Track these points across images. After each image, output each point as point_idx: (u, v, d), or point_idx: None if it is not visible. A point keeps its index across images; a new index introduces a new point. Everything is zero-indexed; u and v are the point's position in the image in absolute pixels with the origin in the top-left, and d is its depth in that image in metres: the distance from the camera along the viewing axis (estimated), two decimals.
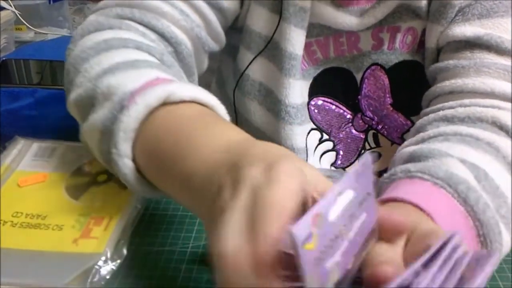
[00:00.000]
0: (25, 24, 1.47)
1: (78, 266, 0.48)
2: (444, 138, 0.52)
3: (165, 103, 0.46)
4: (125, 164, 0.46)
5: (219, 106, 0.48)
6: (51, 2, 1.53)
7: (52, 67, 1.01)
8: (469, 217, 0.43)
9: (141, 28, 0.60)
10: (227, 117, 0.48)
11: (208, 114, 0.46)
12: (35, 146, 0.65)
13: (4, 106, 0.89)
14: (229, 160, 0.36)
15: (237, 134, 0.42)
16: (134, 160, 0.47)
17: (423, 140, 0.54)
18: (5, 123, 0.87)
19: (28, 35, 1.48)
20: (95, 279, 0.47)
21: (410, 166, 0.47)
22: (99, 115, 0.49)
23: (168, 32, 0.61)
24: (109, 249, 0.50)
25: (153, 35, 0.61)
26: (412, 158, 0.50)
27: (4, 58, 1.02)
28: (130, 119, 0.45)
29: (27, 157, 0.63)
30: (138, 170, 0.47)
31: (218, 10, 0.67)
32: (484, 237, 0.43)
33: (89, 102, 0.51)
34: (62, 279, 0.47)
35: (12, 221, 0.53)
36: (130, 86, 0.47)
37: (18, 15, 1.43)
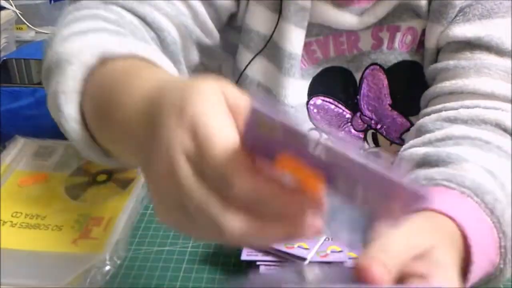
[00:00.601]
0: (25, 24, 1.47)
1: (78, 267, 0.48)
2: (454, 142, 0.52)
3: (105, 61, 0.45)
4: (71, 127, 0.46)
5: (162, 60, 0.47)
6: (52, 1, 1.53)
7: None
8: (495, 228, 0.43)
9: (123, 12, 0.60)
10: (172, 70, 0.47)
11: (144, 65, 0.45)
12: (35, 146, 0.65)
13: (5, 106, 0.89)
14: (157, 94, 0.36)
15: (168, 75, 0.41)
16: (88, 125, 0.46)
17: (430, 142, 0.54)
18: (5, 122, 0.87)
19: (28, 34, 1.48)
20: (95, 280, 0.47)
21: (433, 173, 0.46)
22: (51, 83, 0.48)
23: (150, 18, 0.61)
24: (109, 250, 0.50)
25: (135, 20, 0.61)
26: (427, 162, 0.50)
27: (4, 58, 1.02)
28: (69, 80, 0.45)
29: (27, 157, 0.64)
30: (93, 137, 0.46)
31: (209, 5, 0.67)
32: (505, 249, 0.43)
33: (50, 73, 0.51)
34: (62, 279, 0.47)
35: (11, 221, 0.54)
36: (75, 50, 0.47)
37: (19, 14, 1.44)
